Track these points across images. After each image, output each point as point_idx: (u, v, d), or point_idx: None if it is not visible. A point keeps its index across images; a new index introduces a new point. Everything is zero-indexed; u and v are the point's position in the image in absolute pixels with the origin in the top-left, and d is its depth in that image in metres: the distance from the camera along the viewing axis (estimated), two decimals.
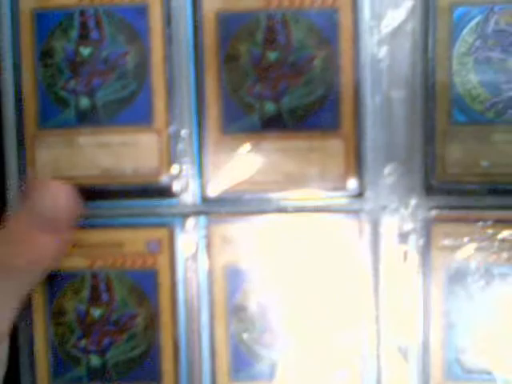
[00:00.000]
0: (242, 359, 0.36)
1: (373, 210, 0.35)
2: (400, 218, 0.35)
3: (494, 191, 0.35)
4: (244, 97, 0.35)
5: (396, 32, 0.35)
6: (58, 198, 0.32)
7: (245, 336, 0.36)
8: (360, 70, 0.35)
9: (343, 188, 0.35)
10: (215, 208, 0.35)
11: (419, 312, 0.35)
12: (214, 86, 0.35)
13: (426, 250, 0.35)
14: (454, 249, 0.35)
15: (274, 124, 0.35)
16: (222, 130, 0.35)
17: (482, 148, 0.35)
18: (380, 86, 0.35)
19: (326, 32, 0.35)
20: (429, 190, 0.35)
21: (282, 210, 0.35)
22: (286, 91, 0.35)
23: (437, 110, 0.35)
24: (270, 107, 0.35)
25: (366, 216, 0.35)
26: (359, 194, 0.35)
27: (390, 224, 0.35)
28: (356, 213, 0.35)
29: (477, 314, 0.35)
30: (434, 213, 0.35)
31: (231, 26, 0.35)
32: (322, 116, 0.35)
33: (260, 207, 0.35)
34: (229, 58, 0.35)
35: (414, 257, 0.35)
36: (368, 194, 0.35)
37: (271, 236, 0.35)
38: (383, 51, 0.35)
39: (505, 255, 0.35)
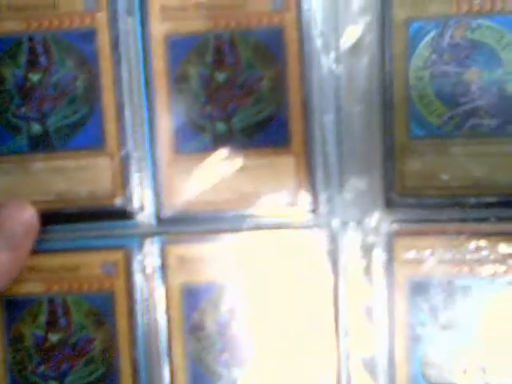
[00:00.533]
0: (202, 379, 0.36)
1: (330, 224, 0.35)
2: (362, 233, 0.35)
3: (454, 204, 0.35)
4: (195, 117, 0.35)
5: (353, 48, 0.35)
6: (17, 216, 0.32)
7: (203, 355, 0.36)
8: (311, 87, 0.35)
9: (296, 204, 0.35)
10: (171, 228, 0.36)
11: (384, 326, 0.35)
12: (166, 108, 0.35)
13: (388, 264, 0.35)
14: (416, 262, 0.35)
15: (226, 143, 0.35)
16: (175, 150, 0.35)
17: (440, 161, 0.35)
18: (338, 102, 0.35)
19: (274, 51, 0.35)
20: (389, 203, 0.35)
21: (237, 228, 0.35)
22: (236, 111, 0.35)
23: (395, 124, 0.35)
24: (221, 127, 0.35)
25: (323, 231, 0.35)
26: (313, 210, 0.35)
27: (352, 239, 0.35)
28: (310, 228, 0.35)
29: (441, 327, 0.35)
30: (395, 226, 0.35)
31: (180, 48, 0.35)
32: (273, 133, 0.35)
33: (215, 226, 0.35)
34: (179, 80, 0.35)
35: (377, 271, 0.35)
36: (323, 209, 0.35)
37: (228, 254, 0.36)
38: (340, 67, 0.35)
39: (466, 268, 0.35)
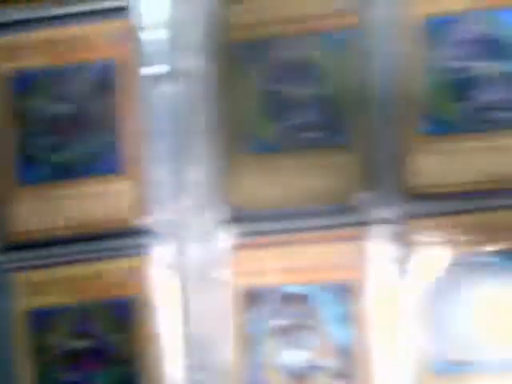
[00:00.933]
0: None
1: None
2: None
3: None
4: (34, 149, 0.37)
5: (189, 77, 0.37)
6: None
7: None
8: (144, 117, 0.37)
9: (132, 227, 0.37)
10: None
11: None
12: (7, 141, 0.37)
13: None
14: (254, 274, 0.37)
15: (64, 172, 0.37)
16: (18, 182, 0.37)
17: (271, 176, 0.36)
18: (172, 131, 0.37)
19: (105, 84, 0.37)
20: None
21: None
22: (72, 141, 0.37)
23: (228, 144, 0.37)
24: (59, 157, 0.37)
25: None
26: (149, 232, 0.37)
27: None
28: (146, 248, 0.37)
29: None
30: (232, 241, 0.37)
31: (22, 83, 0.37)
32: (108, 161, 0.37)
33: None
34: (19, 114, 0.37)
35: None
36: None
37: None
38: (173, 96, 0.37)
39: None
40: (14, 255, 0.37)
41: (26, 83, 0.37)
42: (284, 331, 0.36)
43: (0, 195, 0.37)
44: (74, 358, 0.37)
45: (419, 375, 0.35)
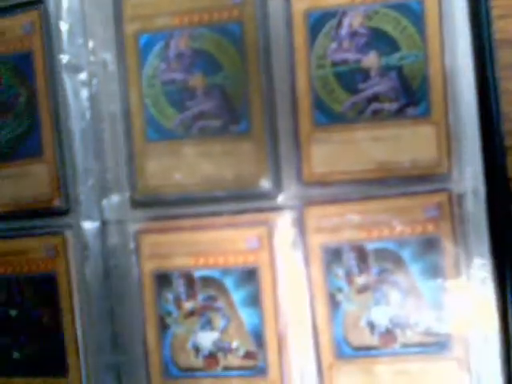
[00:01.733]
0: None
1: (80, 227, 0.39)
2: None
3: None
4: None
5: (96, 68, 0.39)
6: None
7: None
8: (60, 104, 0.39)
9: (48, 208, 0.39)
10: None
11: None
12: None
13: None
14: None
15: None
16: None
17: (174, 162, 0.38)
18: (84, 116, 0.39)
19: (27, 73, 0.39)
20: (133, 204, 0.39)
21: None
22: (1, 125, 0.40)
23: (134, 131, 0.38)
24: None
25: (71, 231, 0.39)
26: (65, 211, 0.39)
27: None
28: (61, 227, 0.39)
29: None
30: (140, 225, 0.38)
31: None
32: (29, 145, 0.40)
33: None
34: None
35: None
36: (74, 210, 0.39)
37: None
38: (85, 84, 0.39)
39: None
40: None
41: None
42: (194, 313, 0.38)
43: None
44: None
45: (327, 359, 0.36)
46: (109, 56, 0.39)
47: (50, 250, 0.39)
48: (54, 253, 0.39)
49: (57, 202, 0.39)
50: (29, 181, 0.40)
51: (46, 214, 0.40)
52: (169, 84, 0.38)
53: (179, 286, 0.38)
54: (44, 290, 0.40)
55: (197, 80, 0.37)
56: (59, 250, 0.39)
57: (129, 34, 0.38)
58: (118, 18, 0.38)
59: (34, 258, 0.40)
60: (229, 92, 0.37)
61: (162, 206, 0.38)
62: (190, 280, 0.38)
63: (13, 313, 0.40)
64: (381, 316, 0.35)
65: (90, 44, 0.39)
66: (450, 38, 0.35)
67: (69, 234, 0.39)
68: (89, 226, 0.39)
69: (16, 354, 0.40)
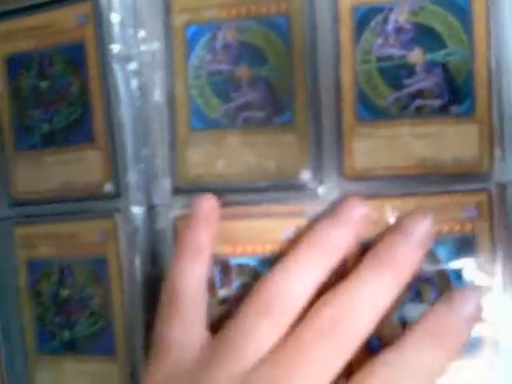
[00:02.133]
0: None
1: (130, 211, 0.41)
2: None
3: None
4: (26, 120, 0.43)
5: (145, 58, 0.40)
6: None
7: None
8: (111, 93, 0.40)
9: (102, 192, 0.41)
10: None
11: None
12: (6, 112, 0.43)
13: None
14: None
15: (50, 141, 0.42)
16: (16, 147, 0.44)
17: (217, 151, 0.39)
18: (135, 105, 0.40)
19: (79, 63, 0.41)
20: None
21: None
22: (55, 113, 0.42)
23: (178, 120, 0.39)
24: (45, 127, 0.42)
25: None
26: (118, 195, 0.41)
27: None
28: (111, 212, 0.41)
29: None
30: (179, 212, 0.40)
31: (13, 65, 0.43)
32: (81, 132, 0.41)
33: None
34: (14, 91, 0.43)
35: None
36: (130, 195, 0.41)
37: None
38: (135, 74, 0.40)
39: None
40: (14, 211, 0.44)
41: (16, 65, 0.43)
42: (227, 301, 0.38)
43: None
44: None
45: None
46: (157, 46, 0.40)
47: (101, 233, 0.41)
48: (105, 236, 0.41)
49: (108, 187, 0.41)
50: (81, 166, 0.42)
51: (97, 198, 0.41)
52: (214, 75, 0.39)
53: (214, 272, 0.38)
54: (95, 271, 0.42)
55: (242, 71, 0.38)
56: (109, 234, 0.41)
57: (177, 25, 0.39)
58: (167, 10, 0.39)
59: (85, 242, 0.42)
60: (274, 84, 0.38)
61: (202, 193, 0.39)
62: (225, 267, 0.38)
63: (64, 293, 0.43)
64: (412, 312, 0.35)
65: (140, 35, 0.40)
66: (497, 35, 0.34)
67: (118, 217, 0.41)
68: (137, 210, 0.41)
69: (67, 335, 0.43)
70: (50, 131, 0.42)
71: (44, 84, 0.42)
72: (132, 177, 0.40)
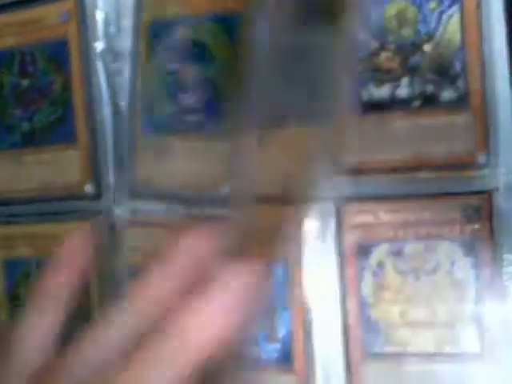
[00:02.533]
0: None
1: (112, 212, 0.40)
2: None
3: None
4: (7, 119, 0.42)
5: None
6: None
7: None
8: (94, 92, 0.40)
9: (82, 193, 0.40)
10: None
11: None
12: None
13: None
14: None
15: (31, 140, 0.41)
16: None
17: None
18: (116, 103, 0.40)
19: (62, 60, 0.40)
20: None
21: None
22: (36, 112, 0.41)
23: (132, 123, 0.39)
24: (26, 126, 0.41)
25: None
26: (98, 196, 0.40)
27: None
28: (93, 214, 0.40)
29: None
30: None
31: None
32: (63, 131, 0.40)
33: None
34: None
35: None
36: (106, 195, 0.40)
37: None
38: (119, 74, 0.39)
39: None
40: None
41: None
42: None
43: None
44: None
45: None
46: (128, 45, 0.39)
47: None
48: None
49: (88, 188, 0.40)
50: (61, 166, 0.41)
51: (77, 198, 0.40)
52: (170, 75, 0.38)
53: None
54: None
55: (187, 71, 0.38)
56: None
57: (144, 23, 0.39)
58: (139, 7, 0.39)
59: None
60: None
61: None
62: None
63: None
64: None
65: (124, 33, 0.39)
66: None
67: (99, 219, 0.40)
68: (119, 211, 0.40)
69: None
70: (31, 130, 0.41)
71: (25, 82, 0.41)
72: (113, 177, 0.40)
